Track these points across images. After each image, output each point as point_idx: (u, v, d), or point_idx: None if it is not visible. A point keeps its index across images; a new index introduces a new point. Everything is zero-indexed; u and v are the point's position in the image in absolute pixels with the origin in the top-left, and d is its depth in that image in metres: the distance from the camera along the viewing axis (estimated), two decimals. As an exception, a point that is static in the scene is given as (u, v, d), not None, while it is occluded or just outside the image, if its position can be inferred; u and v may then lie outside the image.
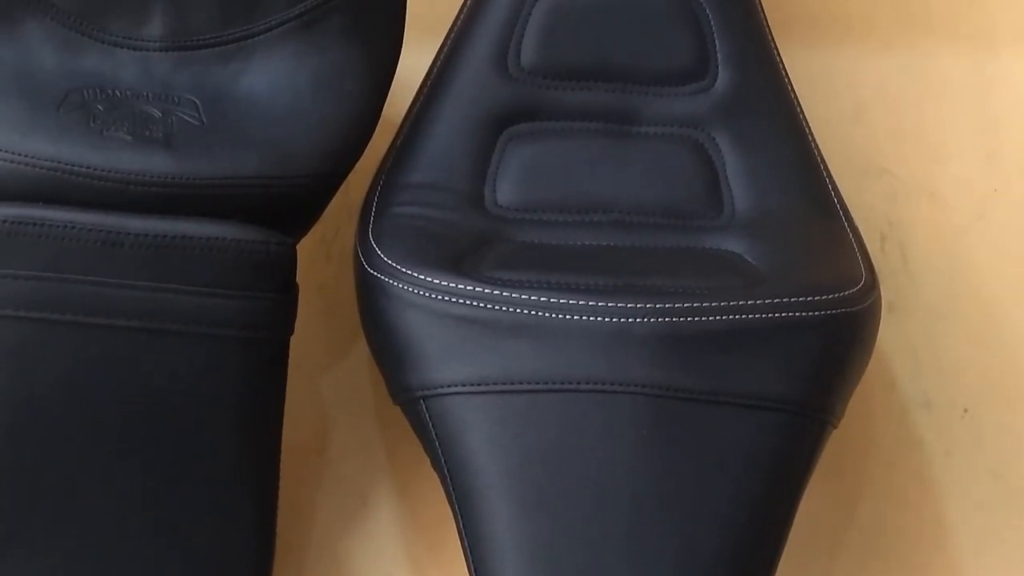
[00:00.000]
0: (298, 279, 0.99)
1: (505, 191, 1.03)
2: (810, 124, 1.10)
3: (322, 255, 1.16)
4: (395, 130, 1.07)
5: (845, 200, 1.07)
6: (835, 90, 1.27)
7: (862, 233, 1.06)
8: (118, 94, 0.96)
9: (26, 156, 0.90)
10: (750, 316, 0.91)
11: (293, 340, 0.99)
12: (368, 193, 1.03)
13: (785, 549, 0.96)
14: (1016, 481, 1.17)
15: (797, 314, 0.92)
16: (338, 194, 1.09)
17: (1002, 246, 1.22)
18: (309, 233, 1.07)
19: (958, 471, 1.17)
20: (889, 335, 1.19)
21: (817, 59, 1.27)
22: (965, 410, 1.18)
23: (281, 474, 1.01)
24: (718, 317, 0.91)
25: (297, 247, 1.00)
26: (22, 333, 0.90)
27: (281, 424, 0.97)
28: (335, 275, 1.14)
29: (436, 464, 0.93)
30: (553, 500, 0.89)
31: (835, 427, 0.96)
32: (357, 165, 1.04)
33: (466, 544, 0.92)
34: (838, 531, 1.16)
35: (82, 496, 0.91)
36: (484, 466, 0.90)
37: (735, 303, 0.91)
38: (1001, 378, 1.19)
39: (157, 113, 0.95)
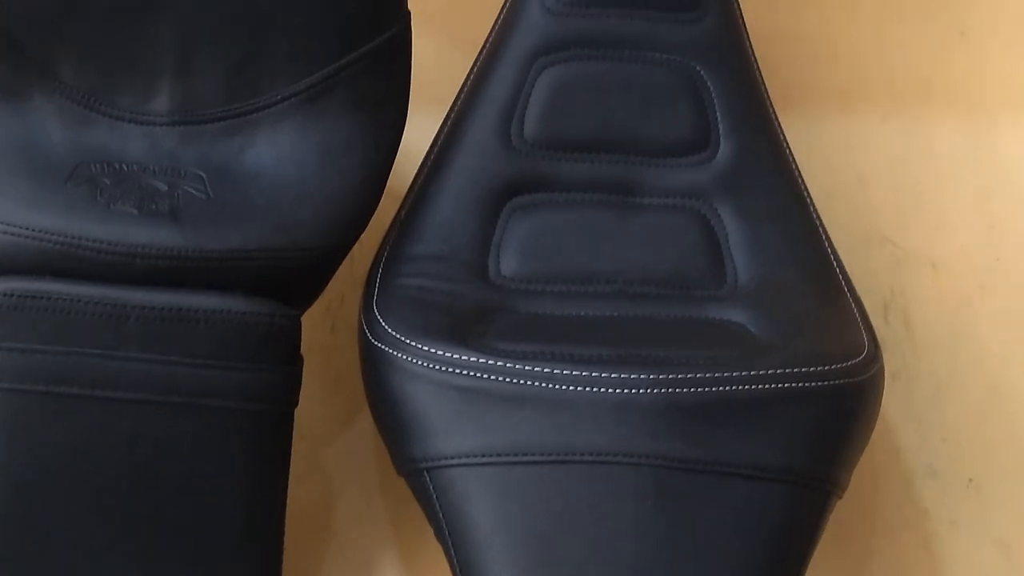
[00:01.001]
0: (303, 349, 0.99)
1: (509, 262, 1.04)
2: (812, 194, 1.10)
3: (327, 325, 1.17)
4: (400, 201, 1.08)
5: (848, 269, 1.08)
6: (837, 161, 1.28)
7: (865, 302, 1.06)
8: (125, 168, 0.97)
9: (34, 230, 0.91)
10: (753, 387, 0.91)
11: (298, 410, 1.00)
12: (372, 264, 1.04)
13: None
14: (1022, 551, 1.16)
15: (800, 384, 0.92)
16: (343, 264, 1.09)
17: (1005, 315, 1.23)
18: (314, 303, 1.08)
19: (963, 541, 1.17)
20: (893, 404, 1.19)
21: (818, 130, 1.28)
22: (970, 480, 1.18)
23: (286, 543, 1.01)
24: (721, 388, 0.91)
25: (302, 317, 1.00)
26: (28, 406, 0.90)
27: (286, 494, 0.97)
28: (340, 345, 1.15)
29: (439, 535, 0.93)
30: (557, 572, 0.89)
31: (840, 497, 0.96)
32: (363, 235, 1.05)
33: (470, 616, 0.91)
34: (843, 601, 1.15)
35: (86, 568, 0.91)
36: (488, 538, 0.90)
37: (738, 373, 0.91)
38: (1005, 447, 1.19)
39: (164, 187, 0.96)
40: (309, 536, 1.10)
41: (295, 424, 1.00)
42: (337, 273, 1.07)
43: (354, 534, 1.11)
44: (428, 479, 0.92)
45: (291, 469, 1.00)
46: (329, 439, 1.14)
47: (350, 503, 1.12)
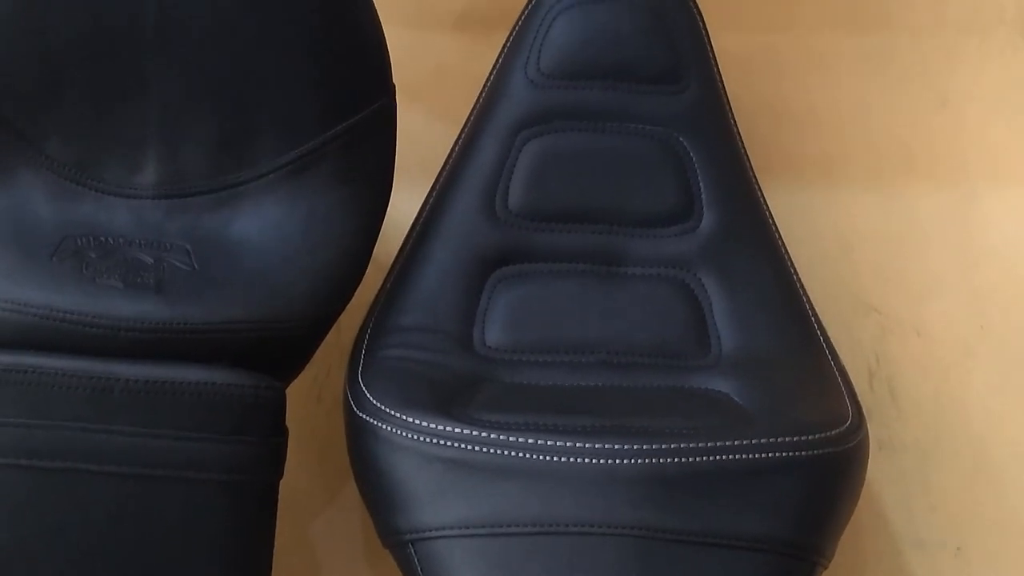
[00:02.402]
0: (289, 420, 0.99)
1: (494, 332, 1.04)
2: (797, 263, 1.11)
3: (314, 396, 1.17)
4: (386, 272, 1.08)
5: (833, 337, 1.08)
6: (821, 230, 1.28)
7: (850, 370, 1.07)
8: (111, 241, 0.98)
9: (19, 304, 0.91)
10: (737, 456, 0.91)
11: (284, 482, 0.99)
12: (358, 335, 1.04)
13: None
14: (1010, 620, 1.16)
15: (784, 454, 0.92)
16: (330, 335, 1.10)
17: (989, 382, 1.23)
18: (301, 374, 1.08)
19: (952, 610, 1.17)
20: (879, 473, 1.19)
21: (802, 199, 1.29)
22: (958, 549, 1.18)
23: (272, 616, 1.00)
24: (705, 458, 0.91)
25: (289, 388, 1.00)
26: (12, 480, 0.90)
27: (270, 567, 0.97)
28: (326, 416, 1.15)
29: (424, 608, 0.93)
30: (541, 644, 0.89)
31: (825, 567, 0.96)
32: (350, 306, 1.06)
33: None
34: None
35: (68, 643, 0.91)
36: (472, 610, 0.90)
37: (722, 443, 0.91)
38: (993, 516, 1.19)
39: (149, 260, 0.96)
40: (294, 609, 1.10)
41: (281, 495, 0.99)
42: (324, 344, 1.07)
43: (340, 606, 1.11)
44: (412, 551, 0.92)
45: (277, 540, 1.00)
46: (316, 510, 1.14)
47: (336, 575, 1.11)
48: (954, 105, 1.32)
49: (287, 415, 0.99)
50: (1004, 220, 1.29)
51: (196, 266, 0.97)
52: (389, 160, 1.06)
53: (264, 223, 1.00)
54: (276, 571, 1.00)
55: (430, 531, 0.91)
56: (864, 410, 1.02)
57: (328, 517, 1.13)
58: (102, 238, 0.98)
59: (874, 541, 1.18)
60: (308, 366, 1.09)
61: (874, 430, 1.15)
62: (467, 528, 0.90)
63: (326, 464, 1.13)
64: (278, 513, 0.99)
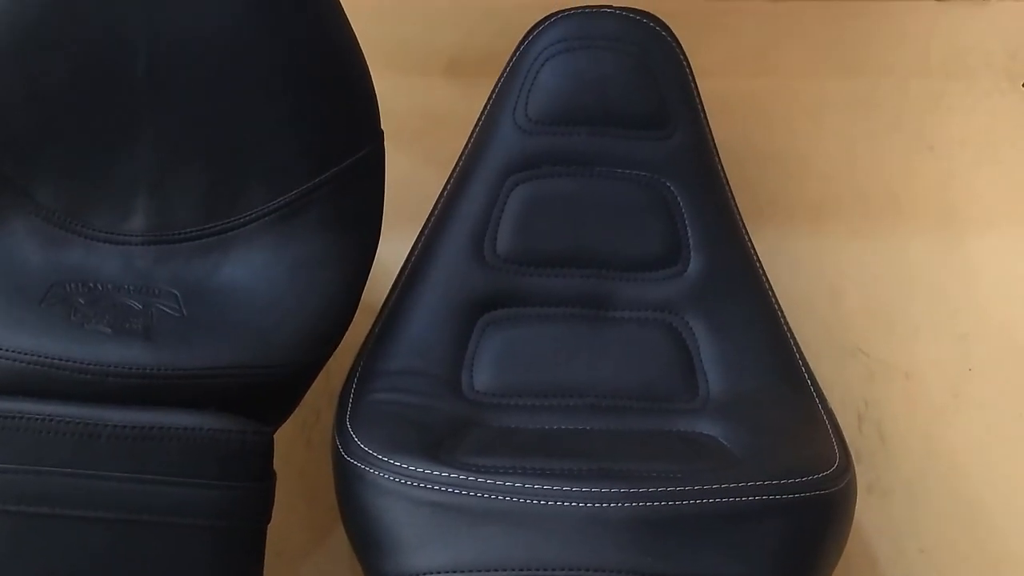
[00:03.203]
0: (278, 464, 1.00)
1: (482, 376, 1.05)
2: (785, 307, 1.12)
3: (303, 441, 1.17)
4: (375, 316, 1.09)
5: (821, 381, 1.09)
6: (809, 274, 1.29)
7: (839, 414, 1.07)
8: (100, 287, 0.98)
9: (7, 351, 0.92)
10: (723, 500, 0.92)
11: (273, 526, 0.99)
12: (346, 380, 1.05)
13: None
14: (1000, 662, 1.16)
15: (770, 497, 0.92)
16: (319, 380, 1.10)
17: (978, 424, 1.23)
18: (290, 418, 1.08)
19: (942, 653, 1.16)
20: (869, 516, 1.19)
21: (790, 244, 1.29)
22: (947, 591, 1.18)
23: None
24: (691, 501, 0.91)
25: (278, 432, 1.01)
26: (0, 525, 0.90)
27: (257, 611, 0.97)
28: (315, 461, 1.15)
29: (412, 652, 0.93)
30: None
31: (814, 611, 0.96)
32: (339, 351, 1.06)
33: None
34: None
35: None
36: (459, 654, 0.90)
37: (708, 487, 0.92)
38: (980, 559, 1.19)
39: (138, 305, 0.97)
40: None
41: (270, 539, 0.99)
42: (313, 388, 1.08)
43: (329, 652, 1.10)
44: (400, 595, 0.92)
45: (266, 586, 1.00)
46: (305, 555, 1.14)
47: (325, 620, 1.12)
48: (941, 150, 1.33)
49: (276, 459, 1.00)
50: (991, 263, 1.30)
51: (184, 312, 0.98)
52: (377, 206, 1.06)
53: (252, 269, 1.01)
54: (265, 616, 1.00)
55: (417, 575, 0.91)
56: (853, 453, 1.02)
57: (317, 561, 1.13)
58: (91, 284, 0.98)
59: (864, 584, 1.18)
60: (297, 410, 1.09)
61: (863, 473, 1.15)
62: (454, 572, 0.90)
63: (315, 508, 1.13)
64: (267, 557, 0.99)
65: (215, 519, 0.93)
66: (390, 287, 1.10)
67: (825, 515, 0.95)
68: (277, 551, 1.06)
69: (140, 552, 0.92)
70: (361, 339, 1.08)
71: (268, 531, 0.99)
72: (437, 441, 0.97)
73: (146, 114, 1.02)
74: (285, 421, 1.03)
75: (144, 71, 1.01)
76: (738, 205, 1.14)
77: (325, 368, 1.10)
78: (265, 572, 1.00)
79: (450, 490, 0.92)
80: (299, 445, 1.17)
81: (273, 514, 1.00)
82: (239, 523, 0.94)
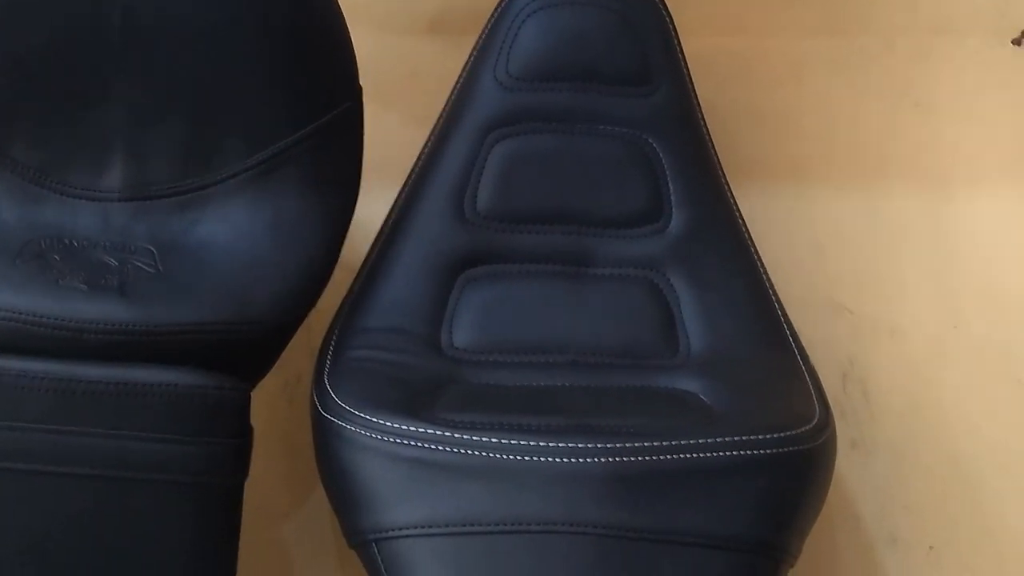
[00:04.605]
0: (260, 423, 1.00)
1: (462, 333, 1.04)
2: (770, 265, 1.11)
3: (284, 400, 1.17)
4: (354, 274, 1.08)
5: (805, 338, 1.08)
6: (794, 232, 1.29)
7: (823, 371, 1.07)
8: (75, 244, 0.98)
9: None
10: (702, 455, 0.92)
11: (255, 485, 0.99)
12: (325, 337, 1.05)
13: None
14: (982, 618, 1.16)
15: (749, 453, 0.92)
16: (301, 339, 1.10)
17: (962, 381, 1.23)
18: (272, 378, 1.08)
19: (926, 609, 1.17)
20: (853, 472, 1.19)
21: (775, 202, 1.29)
22: (930, 547, 1.18)
23: (242, 619, 1.00)
24: (670, 456, 0.91)
25: (260, 392, 1.00)
26: (-24, 482, 0.90)
27: (235, 567, 0.97)
28: (297, 420, 1.15)
29: (389, 607, 0.93)
30: (505, 643, 0.89)
31: (792, 565, 0.96)
32: (320, 310, 1.06)
33: None
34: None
35: (31, 645, 0.91)
36: (436, 609, 0.90)
37: (687, 442, 0.92)
38: (966, 514, 1.19)
39: (113, 262, 0.97)
40: (266, 611, 1.10)
41: (252, 497, 0.99)
42: (295, 348, 1.08)
43: (311, 608, 1.11)
44: (376, 551, 0.92)
45: (248, 542, 1.00)
46: (286, 512, 1.14)
47: (307, 577, 1.12)
48: (927, 107, 1.33)
49: (258, 419, 1.00)
50: (977, 221, 1.29)
51: (161, 268, 0.97)
52: (356, 162, 1.06)
53: (229, 226, 1.00)
54: (247, 573, 1.00)
55: (393, 531, 0.91)
56: (837, 410, 1.02)
57: (298, 519, 1.14)
58: (66, 240, 0.98)
59: (847, 540, 1.18)
60: (278, 370, 1.09)
61: (847, 430, 1.15)
62: (431, 527, 0.90)
63: (296, 466, 1.13)
64: (249, 515, 0.99)
65: (192, 475, 0.93)
66: (370, 245, 1.09)
67: (804, 471, 0.95)
68: (259, 509, 1.06)
69: (117, 508, 0.92)
70: (341, 297, 1.08)
71: (250, 490, 1.00)
72: (415, 397, 0.97)
73: (121, 71, 1.01)
74: (263, 378, 1.03)
75: (119, 28, 1.00)
76: (721, 163, 1.14)
77: (307, 327, 1.10)
78: (247, 530, 1.00)
79: (427, 446, 0.92)
80: (281, 404, 1.17)
81: (255, 473, 1.00)
82: (216, 479, 0.94)
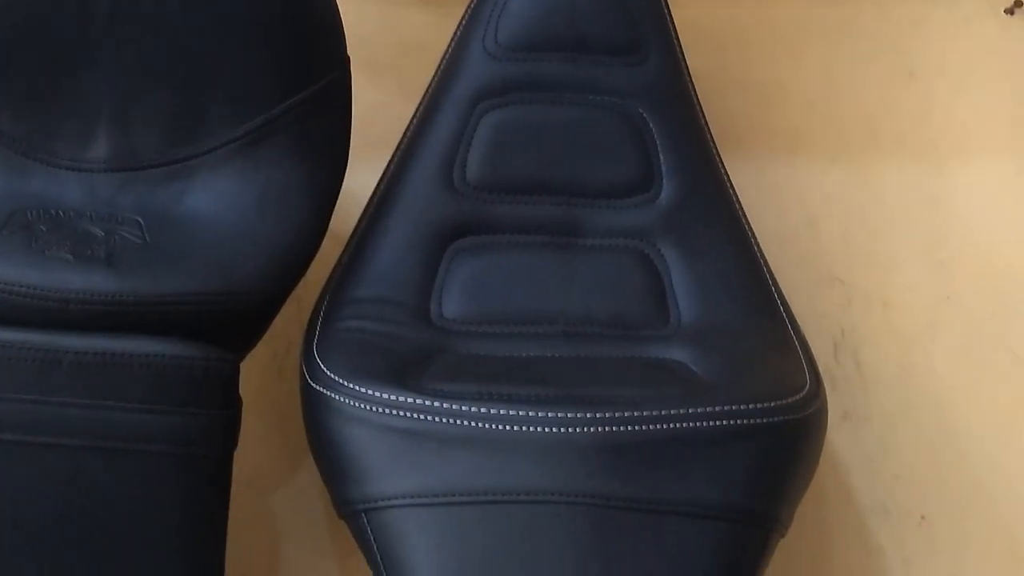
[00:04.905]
0: (250, 395, 0.99)
1: (451, 304, 1.04)
2: (762, 236, 1.11)
3: (274, 372, 1.17)
4: (344, 245, 1.08)
5: (798, 309, 1.08)
6: (786, 203, 1.28)
7: (815, 342, 1.07)
8: (61, 215, 0.97)
9: None
10: (691, 424, 0.91)
11: (245, 457, 0.99)
12: (314, 308, 1.04)
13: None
14: (974, 587, 1.16)
15: (738, 422, 0.92)
16: (291, 311, 1.10)
17: (955, 353, 1.23)
18: (262, 350, 1.08)
19: (917, 578, 1.17)
20: (844, 443, 1.19)
21: (768, 173, 1.28)
22: (923, 517, 1.18)
23: (233, 590, 1.00)
24: (659, 426, 0.91)
25: (250, 363, 1.00)
26: (-39, 453, 0.90)
27: (224, 539, 0.97)
28: (287, 392, 1.15)
29: (377, 577, 0.93)
30: (493, 613, 0.89)
31: (782, 535, 0.96)
32: (310, 281, 1.06)
33: (408, 660, 0.91)
34: (798, 644, 1.15)
35: (20, 616, 0.91)
36: (425, 579, 0.90)
37: (676, 411, 0.91)
38: (958, 484, 1.19)
39: (100, 233, 0.96)
40: (257, 582, 1.10)
41: (242, 469, 0.99)
42: (285, 320, 1.08)
43: (302, 579, 1.11)
44: (366, 520, 0.92)
45: (238, 515, 1.00)
46: (276, 485, 1.14)
47: (297, 548, 1.12)
48: (921, 77, 1.32)
49: (248, 391, 0.99)
50: (970, 191, 1.29)
51: (148, 239, 0.97)
52: (344, 132, 1.05)
53: (217, 196, 1.00)
54: (238, 544, 1.00)
55: (382, 501, 0.91)
56: (829, 381, 1.02)
57: (289, 490, 1.14)
58: (52, 211, 0.98)
59: (839, 510, 1.18)
60: (268, 342, 1.09)
61: (839, 401, 1.15)
62: (419, 497, 0.90)
63: (287, 438, 1.13)
64: (239, 487, 0.99)
65: (179, 446, 0.93)
66: (359, 216, 1.09)
67: (793, 440, 0.95)
68: (249, 481, 1.06)
69: (103, 479, 0.91)
70: (330, 269, 1.08)
71: (240, 461, 0.99)
72: (404, 368, 0.97)
73: (107, 41, 1.01)
74: (251, 349, 1.03)
75: None
76: (712, 133, 1.13)
77: (297, 299, 1.10)
78: (237, 503, 1.00)
79: (416, 416, 0.91)
80: (271, 376, 1.16)
81: (245, 445, 1.00)
82: (204, 451, 0.94)
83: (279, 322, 1.07)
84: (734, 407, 0.92)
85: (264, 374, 1.15)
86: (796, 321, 1.07)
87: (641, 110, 1.10)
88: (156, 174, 1.01)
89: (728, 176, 1.12)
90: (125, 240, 0.96)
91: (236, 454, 0.99)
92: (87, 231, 0.96)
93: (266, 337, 1.06)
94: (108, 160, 1.01)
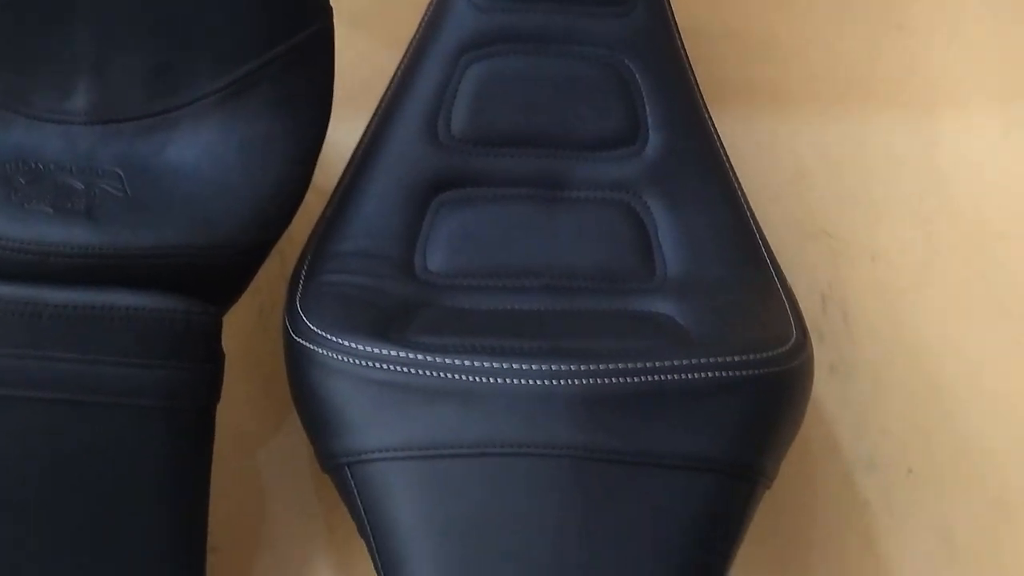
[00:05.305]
0: (234, 351, 0.99)
1: (435, 257, 1.04)
2: (750, 189, 1.10)
3: (259, 327, 1.16)
4: (327, 199, 1.07)
5: (786, 263, 1.08)
6: (776, 156, 1.28)
7: (803, 296, 1.06)
8: (41, 167, 0.96)
9: None
10: (676, 376, 0.91)
11: (229, 412, 0.99)
12: (298, 261, 1.04)
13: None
14: (961, 540, 1.16)
15: (724, 374, 0.92)
16: (276, 265, 1.09)
17: (942, 306, 1.23)
18: (246, 305, 1.07)
19: (904, 531, 1.17)
20: (831, 397, 1.19)
21: (758, 127, 1.28)
22: (909, 470, 1.18)
23: (220, 544, 1.00)
24: (644, 378, 0.90)
25: (234, 319, 0.99)
26: (-58, 407, 0.90)
27: (208, 493, 0.96)
28: (272, 347, 1.14)
29: (362, 531, 0.93)
30: (478, 566, 0.88)
31: (768, 487, 0.96)
32: (295, 235, 1.05)
33: (393, 613, 0.91)
34: (785, 596, 1.15)
35: (2, 570, 0.90)
36: (409, 532, 0.89)
37: (660, 364, 0.91)
38: (944, 437, 1.19)
39: (80, 185, 0.95)
40: (242, 538, 1.10)
41: (227, 425, 0.99)
42: (269, 275, 1.07)
43: (287, 534, 1.11)
44: (349, 474, 0.92)
45: (223, 471, 1.00)
46: (261, 440, 1.13)
47: (283, 504, 1.12)
48: (909, 29, 1.31)
49: (232, 346, 0.99)
50: (959, 144, 1.28)
51: (128, 192, 0.96)
52: (327, 85, 1.04)
53: (199, 149, 0.99)
54: (223, 500, 1.00)
55: (366, 454, 0.91)
56: (816, 334, 1.01)
57: (274, 446, 1.13)
58: (32, 164, 0.97)
59: (825, 463, 1.18)
60: (253, 296, 1.09)
61: (826, 354, 1.15)
62: (403, 450, 0.90)
63: (272, 393, 1.12)
64: (224, 443, 0.99)
65: (161, 399, 0.92)
66: (343, 169, 1.08)
67: (779, 392, 0.95)
68: (233, 436, 1.06)
69: (84, 433, 0.91)
70: (314, 222, 1.07)
71: (225, 416, 0.99)
72: (388, 321, 0.96)
73: (86, -8, 1.00)
74: (234, 303, 1.02)
75: None
76: (700, 85, 1.13)
77: (281, 254, 1.09)
78: (222, 459, 1.00)
79: (400, 369, 0.91)
80: (255, 332, 1.16)
81: (230, 403, 1.00)
82: (186, 404, 0.93)
83: (263, 278, 1.06)
84: (719, 359, 0.92)
85: (248, 331, 1.14)
86: (783, 274, 1.06)
87: (627, 61, 1.09)
88: (137, 126, 1.00)
89: (715, 128, 1.11)
90: (105, 193, 0.95)
91: (221, 411, 0.98)
92: (67, 184, 0.95)
93: (250, 293, 1.06)
94: (88, 112, 1.00)
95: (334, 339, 0.93)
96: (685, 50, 1.13)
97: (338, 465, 0.93)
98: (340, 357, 0.92)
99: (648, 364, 0.91)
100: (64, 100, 1.00)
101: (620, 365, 0.90)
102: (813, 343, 1.00)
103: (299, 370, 0.95)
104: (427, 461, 0.90)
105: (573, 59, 1.09)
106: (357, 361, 0.92)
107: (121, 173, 0.97)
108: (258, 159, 0.99)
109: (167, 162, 0.99)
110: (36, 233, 0.91)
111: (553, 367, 0.90)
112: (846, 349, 1.21)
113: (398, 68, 1.10)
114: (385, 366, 0.91)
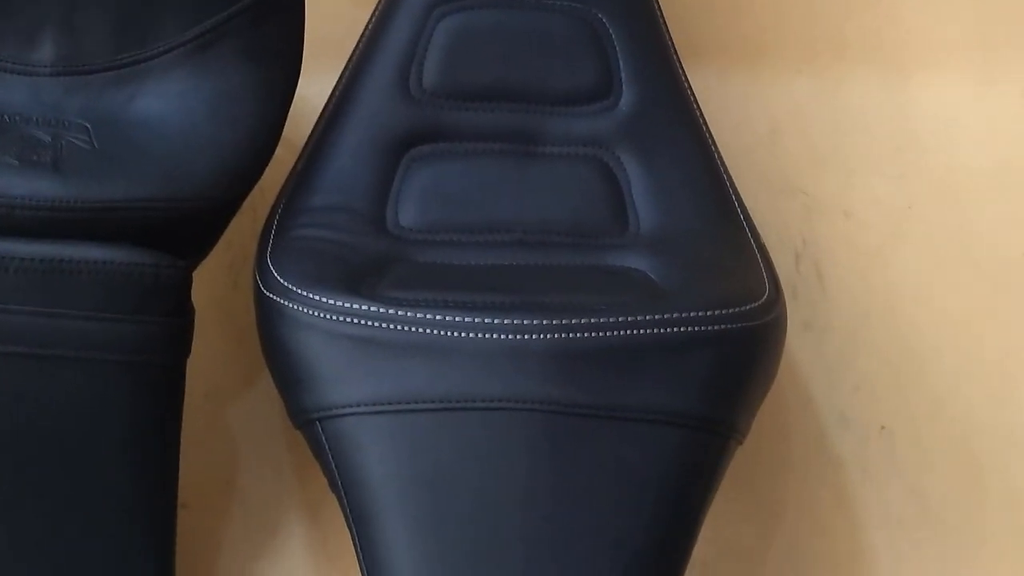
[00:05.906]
0: (205, 306, 0.98)
1: (407, 212, 1.03)
2: (724, 145, 1.10)
3: (230, 282, 1.16)
4: (298, 153, 1.06)
5: (759, 219, 1.07)
6: (750, 113, 1.27)
7: (777, 252, 1.06)
8: (6, 119, 0.95)
9: None
10: (647, 331, 0.91)
11: (200, 369, 0.99)
12: (268, 216, 1.03)
13: (700, 574, 0.95)
14: (933, 497, 1.17)
15: (695, 328, 0.91)
16: (247, 221, 1.09)
17: (916, 263, 1.23)
18: (217, 260, 1.06)
19: (876, 488, 1.17)
20: (805, 353, 1.19)
21: (732, 83, 1.27)
22: (882, 427, 1.18)
23: (190, 501, 0.99)
24: (614, 332, 0.90)
25: (205, 275, 0.99)
26: (-95, 360, 0.89)
27: (178, 449, 0.96)
28: (243, 303, 1.13)
29: (333, 486, 0.92)
30: (448, 521, 0.88)
31: (740, 443, 0.96)
32: (268, 191, 1.04)
33: (364, 568, 0.91)
34: (755, 552, 1.15)
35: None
36: (379, 487, 0.89)
37: (632, 318, 0.91)
38: (917, 394, 1.19)
39: (46, 138, 0.94)
40: (213, 495, 1.09)
41: (198, 381, 0.99)
42: (240, 230, 1.06)
43: (259, 491, 1.11)
44: (320, 429, 0.91)
45: (194, 427, 0.99)
46: (233, 397, 1.13)
47: (255, 460, 1.11)
48: (887, -13, 1.31)
49: (203, 302, 0.98)
50: (933, 102, 1.28)
51: (95, 144, 0.95)
52: (298, 36, 1.03)
53: (168, 101, 0.98)
54: (195, 456, 0.99)
55: (336, 409, 0.90)
56: (790, 291, 1.01)
57: (246, 402, 1.13)
58: None
59: (798, 420, 1.18)
60: (224, 251, 1.08)
61: (800, 311, 1.15)
62: (374, 405, 0.89)
63: (243, 349, 1.12)
64: (195, 400, 0.98)
65: (130, 354, 0.91)
66: (314, 123, 1.07)
67: (751, 347, 0.95)
68: (205, 392, 1.05)
69: (53, 388, 0.90)
70: (285, 177, 1.06)
71: (196, 373, 0.99)
72: (359, 276, 0.95)
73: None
74: (204, 257, 1.01)
75: None
76: (674, 41, 1.12)
77: (252, 209, 1.09)
78: (193, 416, 0.99)
79: (370, 323, 0.90)
80: (226, 287, 1.15)
81: (201, 359, 0.99)
82: (155, 359, 0.93)
83: (234, 233, 1.05)
84: (691, 314, 0.92)
85: (220, 285, 1.14)
86: (756, 229, 1.06)
87: (600, 15, 1.08)
88: (104, 79, 0.99)
89: (689, 84, 1.11)
90: (72, 145, 0.94)
91: (192, 367, 0.97)
92: (33, 136, 0.94)
93: (221, 248, 1.05)
94: (54, 63, 0.99)
95: (304, 293, 0.92)
96: (660, 6, 1.12)
97: (309, 420, 0.92)
98: (310, 312, 0.92)
99: (620, 319, 0.90)
100: (30, 51, 0.99)
101: (592, 320, 0.90)
102: (786, 300, 1.00)
103: (269, 325, 0.95)
104: (397, 415, 0.89)
105: (546, 12, 1.08)
106: (327, 316, 0.91)
107: (88, 125, 0.96)
108: (228, 112, 0.98)
109: (135, 114, 0.98)
110: (1, 185, 0.90)
111: (524, 321, 0.90)
112: (820, 306, 1.21)
113: (369, 22, 1.09)
114: (355, 320, 0.90)
